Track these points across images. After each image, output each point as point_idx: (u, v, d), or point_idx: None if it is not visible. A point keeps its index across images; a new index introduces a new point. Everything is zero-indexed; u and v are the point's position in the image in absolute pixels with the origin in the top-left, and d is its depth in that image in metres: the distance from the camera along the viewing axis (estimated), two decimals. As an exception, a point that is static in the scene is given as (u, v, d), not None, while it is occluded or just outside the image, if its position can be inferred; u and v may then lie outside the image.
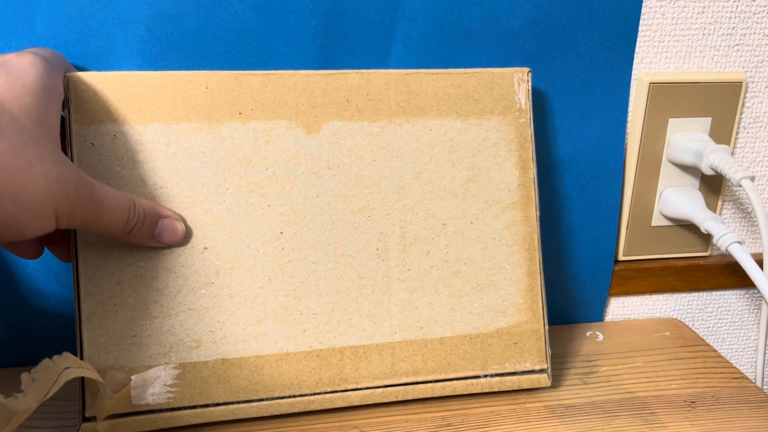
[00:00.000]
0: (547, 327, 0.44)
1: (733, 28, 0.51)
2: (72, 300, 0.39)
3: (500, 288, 0.43)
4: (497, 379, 0.43)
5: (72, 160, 0.37)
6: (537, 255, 0.44)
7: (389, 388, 0.42)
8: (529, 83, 0.44)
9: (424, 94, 0.43)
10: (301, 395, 0.40)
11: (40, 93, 0.32)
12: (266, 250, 0.40)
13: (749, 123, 0.54)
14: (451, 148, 0.43)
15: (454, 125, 0.43)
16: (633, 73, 0.50)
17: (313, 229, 0.41)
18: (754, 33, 0.51)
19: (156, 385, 0.38)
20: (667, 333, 0.54)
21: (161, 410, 0.39)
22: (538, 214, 0.44)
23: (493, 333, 0.43)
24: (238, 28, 0.44)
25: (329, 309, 0.41)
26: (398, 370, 0.42)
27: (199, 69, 0.44)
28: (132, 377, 0.38)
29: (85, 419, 0.38)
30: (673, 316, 0.58)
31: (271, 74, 0.41)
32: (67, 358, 0.33)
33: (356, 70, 0.42)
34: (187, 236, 0.39)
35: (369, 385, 0.41)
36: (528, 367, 0.43)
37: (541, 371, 0.44)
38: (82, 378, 0.37)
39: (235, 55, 0.44)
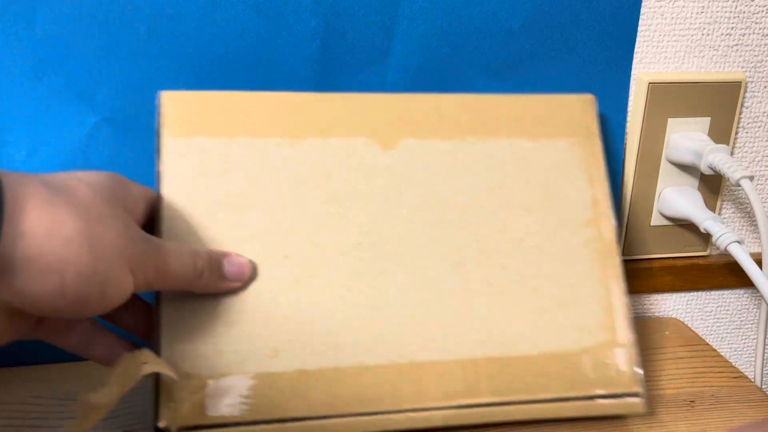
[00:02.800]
0: (636, 348, 0.41)
1: (732, 28, 0.51)
2: (152, 302, 0.38)
3: (583, 305, 0.41)
4: (588, 402, 0.40)
5: (160, 171, 0.39)
6: (619, 272, 0.42)
7: (473, 409, 0.39)
8: (595, 108, 0.45)
9: (495, 116, 0.44)
10: (381, 412, 0.38)
11: (114, 184, 0.34)
12: (345, 260, 0.40)
13: (748, 123, 0.54)
14: (523, 166, 0.43)
15: (525, 145, 0.43)
16: (632, 72, 0.50)
17: (390, 240, 0.41)
18: (753, 33, 0.51)
19: (231, 395, 0.37)
20: (667, 333, 0.54)
21: (236, 423, 0.36)
22: (615, 231, 0.43)
23: (580, 352, 0.40)
24: (238, 28, 0.44)
25: (408, 322, 0.39)
26: (481, 389, 0.39)
27: (198, 68, 0.44)
28: (207, 382, 0.37)
29: (157, 430, 0.36)
30: (673, 316, 0.59)
31: (350, 96, 0.43)
32: (145, 353, 0.33)
33: (429, 94, 0.44)
34: (247, 282, 0.39)
35: (451, 403, 0.39)
36: (619, 390, 0.40)
37: (635, 395, 0.41)
38: (157, 388, 0.36)
39: (235, 54, 0.45)
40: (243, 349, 0.37)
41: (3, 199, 0.27)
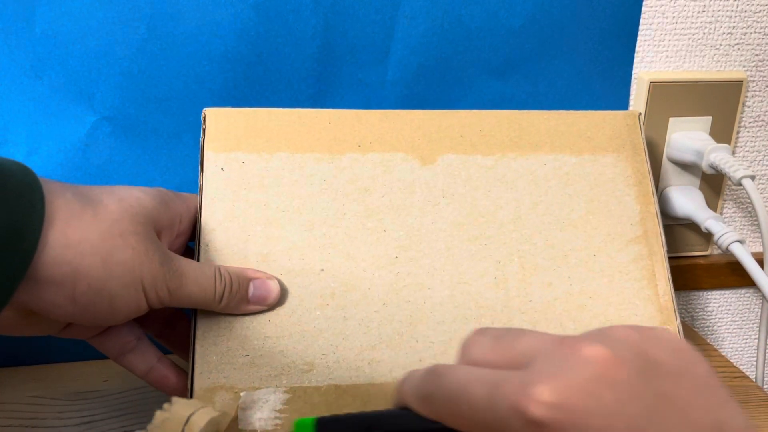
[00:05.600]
0: None
1: (734, 27, 0.51)
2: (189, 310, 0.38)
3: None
4: None
5: (202, 185, 0.40)
6: (669, 291, 0.41)
7: None
8: (641, 124, 0.45)
9: (537, 132, 0.44)
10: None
11: (152, 201, 0.35)
12: (381, 274, 0.40)
13: (750, 122, 0.54)
14: (567, 181, 0.43)
15: (568, 160, 0.43)
16: (633, 71, 0.50)
17: (428, 254, 0.40)
18: (755, 32, 0.51)
19: (264, 409, 0.36)
20: (668, 332, 0.54)
21: None
22: (665, 248, 0.42)
23: None
24: (238, 27, 0.44)
25: (446, 338, 0.39)
26: None
27: (198, 68, 0.44)
28: (241, 394, 0.36)
29: None
30: (674, 316, 0.58)
31: (389, 112, 0.43)
32: (180, 405, 0.31)
33: (469, 110, 0.44)
34: (283, 296, 0.38)
35: None
36: None
37: None
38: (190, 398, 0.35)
39: (234, 54, 0.44)
40: (277, 363, 0.37)
41: (43, 214, 0.29)
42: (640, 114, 0.45)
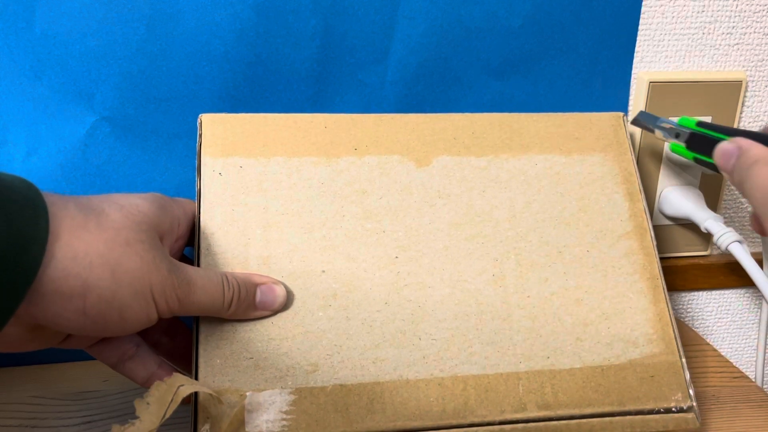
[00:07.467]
0: (684, 360, 0.40)
1: (733, 27, 0.51)
2: (189, 318, 0.38)
3: (627, 317, 0.41)
4: (639, 417, 0.39)
5: (200, 190, 0.40)
6: (660, 284, 0.42)
7: (520, 425, 0.38)
8: (626, 125, 0.46)
9: (527, 133, 0.45)
10: (425, 429, 0.37)
11: (151, 206, 0.35)
12: (382, 274, 0.40)
13: (749, 122, 0.54)
14: (558, 180, 0.44)
15: (558, 160, 0.44)
16: (633, 71, 0.50)
17: (427, 254, 0.41)
18: (754, 32, 0.51)
19: (271, 411, 0.36)
20: (667, 332, 0.54)
21: None
22: (654, 243, 0.43)
23: (626, 365, 0.40)
24: (238, 27, 0.44)
25: (449, 335, 0.39)
26: (527, 403, 0.38)
27: (197, 68, 0.44)
28: (247, 394, 0.36)
29: None
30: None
31: (384, 116, 0.44)
32: (177, 377, 0.33)
33: (461, 114, 0.45)
34: (289, 300, 0.39)
35: (497, 419, 0.38)
36: (670, 404, 0.39)
37: (688, 410, 0.39)
38: (195, 405, 0.36)
39: (234, 54, 0.44)
40: (282, 364, 0.37)
41: (48, 228, 0.29)
42: (624, 115, 0.46)
